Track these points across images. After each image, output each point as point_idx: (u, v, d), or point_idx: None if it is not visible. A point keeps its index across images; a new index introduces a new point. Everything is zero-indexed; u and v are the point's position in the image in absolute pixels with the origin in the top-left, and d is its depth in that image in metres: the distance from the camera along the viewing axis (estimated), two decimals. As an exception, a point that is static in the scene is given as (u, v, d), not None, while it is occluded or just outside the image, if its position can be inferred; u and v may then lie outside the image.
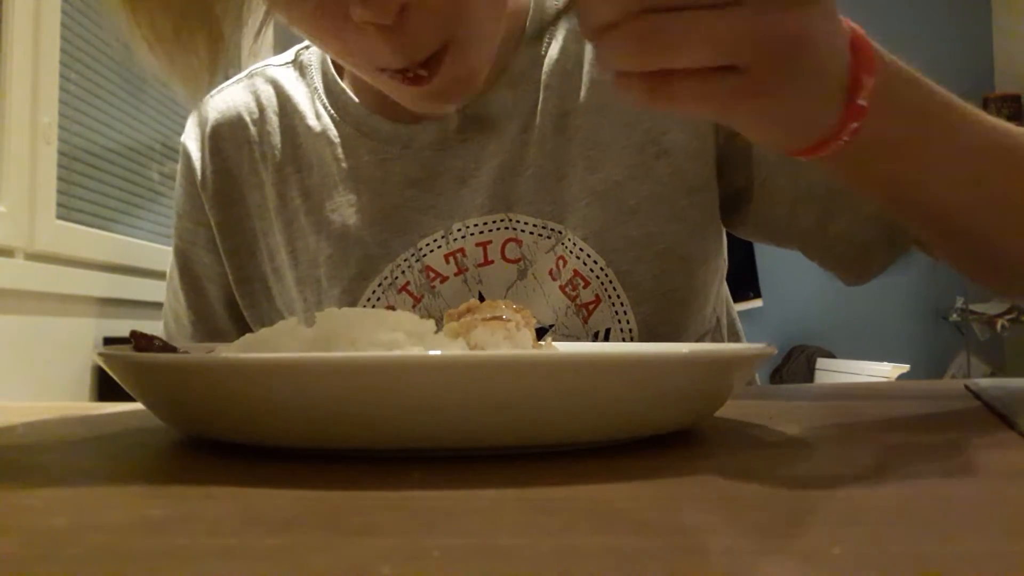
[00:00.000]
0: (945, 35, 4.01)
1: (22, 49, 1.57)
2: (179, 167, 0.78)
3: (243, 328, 0.76)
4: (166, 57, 0.54)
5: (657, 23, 0.36)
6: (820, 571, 0.20)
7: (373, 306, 0.69)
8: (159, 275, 1.98)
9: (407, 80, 0.58)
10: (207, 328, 0.77)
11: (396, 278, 0.69)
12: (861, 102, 0.42)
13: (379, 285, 0.69)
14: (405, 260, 0.69)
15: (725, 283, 0.79)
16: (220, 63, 0.58)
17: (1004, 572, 0.20)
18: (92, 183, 1.91)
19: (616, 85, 0.39)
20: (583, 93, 0.68)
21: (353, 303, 0.69)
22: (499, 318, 0.40)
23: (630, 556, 0.21)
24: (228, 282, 0.76)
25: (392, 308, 0.69)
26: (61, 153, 1.72)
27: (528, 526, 0.24)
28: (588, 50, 0.69)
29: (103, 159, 1.96)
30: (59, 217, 1.71)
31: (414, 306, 0.69)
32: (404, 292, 0.69)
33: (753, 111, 0.41)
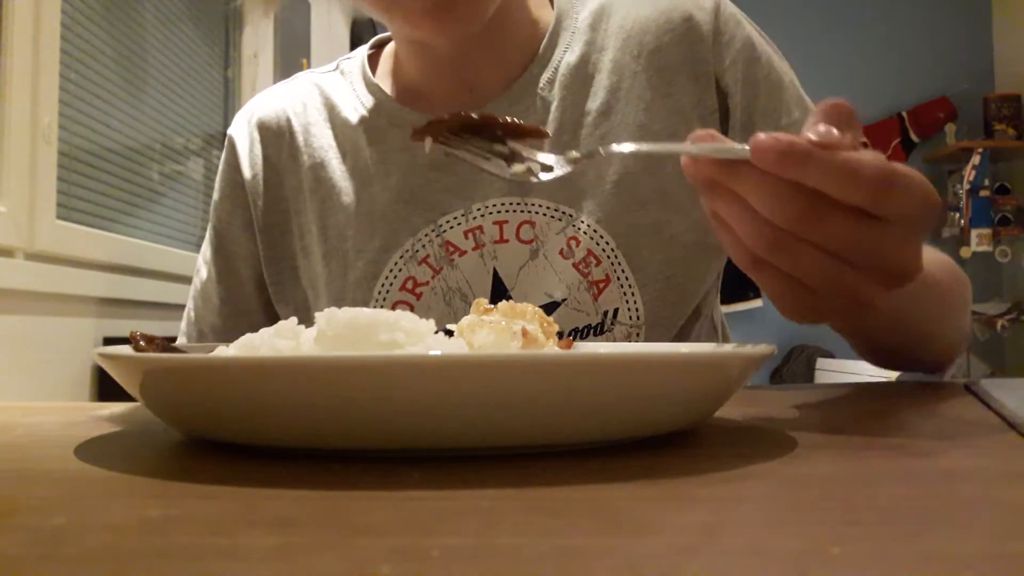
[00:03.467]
0: (945, 35, 4.01)
1: (22, 49, 1.57)
2: (223, 156, 0.87)
3: (269, 309, 0.83)
4: None
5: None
6: (820, 571, 0.20)
7: (395, 276, 0.76)
8: (159, 275, 1.99)
9: None
10: (235, 307, 0.83)
11: (417, 251, 0.75)
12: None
13: (400, 257, 0.76)
14: (426, 235, 0.76)
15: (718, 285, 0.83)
16: None
17: (1004, 572, 0.20)
18: (92, 183, 1.91)
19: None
20: (601, 97, 0.76)
21: (376, 274, 0.76)
22: (525, 331, 0.40)
23: (630, 556, 0.21)
24: (259, 262, 0.83)
25: (412, 279, 0.76)
26: (61, 153, 1.72)
27: (528, 526, 0.24)
28: (607, 60, 0.77)
29: (103, 159, 1.96)
30: (59, 217, 1.71)
31: (433, 276, 0.75)
32: (424, 264, 0.75)
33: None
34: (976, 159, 3.78)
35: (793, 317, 0.44)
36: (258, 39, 2.68)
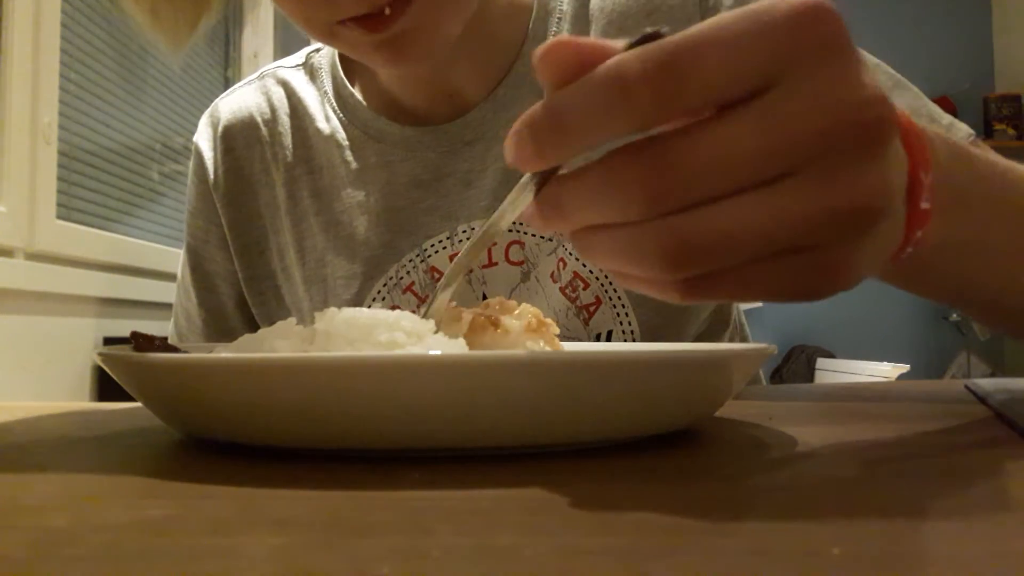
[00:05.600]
0: (945, 35, 4.01)
1: (22, 49, 1.57)
2: (191, 166, 0.79)
3: (254, 327, 0.77)
4: (149, 7, 0.56)
5: (691, 225, 0.27)
6: (820, 571, 0.20)
7: (379, 306, 0.70)
8: (159, 275, 1.99)
9: (366, 25, 0.56)
10: (219, 327, 0.78)
11: (401, 278, 0.70)
12: (924, 205, 0.34)
13: (384, 285, 0.70)
14: (410, 260, 0.70)
15: None
16: (202, 18, 0.59)
17: (1004, 572, 0.20)
18: (92, 183, 1.91)
19: (636, 287, 0.31)
20: None
21: (359, 303, 0.70)
22: (494, 320, 0.40)
23: (630, 556, 0.21)
24: (239, 280, 0.77)
25: (397, 308, 0.69)
26: (61, 153, 1.72)
27: (528, 526, 0.24)
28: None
29: (103, 159, 1.96)
30: (59, 217, 1.71)
31: (419, 306, 0.70)
32: (409, 292, 0.70)
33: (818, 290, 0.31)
34: (976, 159, 3.77)
35: (804, 297, 0.29)
36: (258, 39, 2.68)
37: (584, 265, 0.67)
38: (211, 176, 0.77)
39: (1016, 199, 0.46)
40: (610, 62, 0.27)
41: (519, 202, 0.32)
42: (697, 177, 0.27)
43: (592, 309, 0.68)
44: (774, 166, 0.27)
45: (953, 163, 0.39)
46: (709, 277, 0.29)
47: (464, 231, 0.69)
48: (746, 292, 0.29)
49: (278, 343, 0.38)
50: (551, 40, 0.28)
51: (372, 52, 0.60)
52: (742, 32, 0.27)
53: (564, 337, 0.68)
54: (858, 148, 0.27)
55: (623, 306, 0.67)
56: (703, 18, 0.65)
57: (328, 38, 0.61)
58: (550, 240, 0.68)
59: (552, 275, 0.68)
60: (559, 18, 0.70)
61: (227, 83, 2.64)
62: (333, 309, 0.39)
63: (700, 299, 0.30)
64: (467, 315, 0.41)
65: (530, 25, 0.70)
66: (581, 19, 0.70)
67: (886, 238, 0.31)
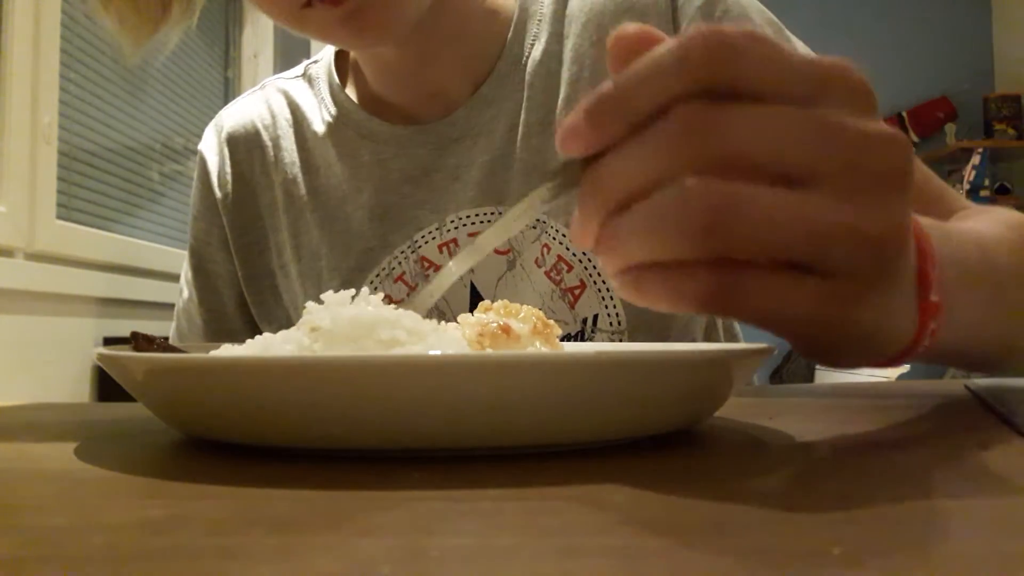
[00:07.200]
0: (945, 35, 4.02)
1: (22, 49, 1.57)
2: (196, 172, 0.84)
3: (254, 329, 0.80)
4: (116, 14, 0.62)
5: (726, 200, 0.28)
6: (820, 571, 0.20)
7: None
8: (159, 275, 1.99)
9: (327, 1, 0.60)
10: (219, 327, 0.81)
11: (393, 269, 0.73)
12: (933, 298, 0.36)
13: (376, 276, 0.73)
14: (401, 252, 0.73)
15: None
16: (162, 25, 0.63)
17: (1004, 572, 0.20)
18: (92, 183, 1.91)
19: (651, 288, 0.31)
20: (563, 90, 0.72)
21: None
22: (505, 327, 0.40)
23: (630, 556, 0.21)
24: (239, 281, 0.80)
25: (389, 298, 0.73)
26: (61, 153, 1.72)
27: (528, 526, 0.24)
28: (568, 49, 0.72)
29: (103, 159, 1.96)
30: (59, 217, 1.71)
31: (409, 294, 0.73)
32: (400, 282, 0.73)
33: (829, 321, 0.32)
34: (976, 159, 3.79)
35: (808, 325, 0.32)
36: (258, 39, 2.68)
37: (567, 248, 0.70)
38: (214, 181, 0.80)
39: (1003, 262, 0.46)
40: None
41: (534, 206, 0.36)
42: (736, 150, 0.29)
43: (577, 292, 0.70)
44: (805, 156, 0.29)
45: (952, 254, 0.40)
46: (737, 281, 0.29)
47: (452, 221, 0.72)
48: (759, 301, 0.30)
49: (279, 343, 0.38)
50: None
51: (337, 29, 0.63)
52: (790, 58, 0.30)
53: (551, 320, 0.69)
54: (882, 178, 0.29)
55: (607, 290, 0.70)
56: (674, 17, 0.69)
57: (297, 23, 0.64)
58: (534, 228, 0.71)
59: (536, 260, 0.71)
60: (539, 20, 0.74)
61: (227, 83, 2.64)
62: (335, 308, 0.39)
63: (721, 303, 0.30)
64: (474, 319, 0.41)
65: (512, 25, 0.74)
66: (560, 18, 0.74)
67: (896, 301, 0.34)
